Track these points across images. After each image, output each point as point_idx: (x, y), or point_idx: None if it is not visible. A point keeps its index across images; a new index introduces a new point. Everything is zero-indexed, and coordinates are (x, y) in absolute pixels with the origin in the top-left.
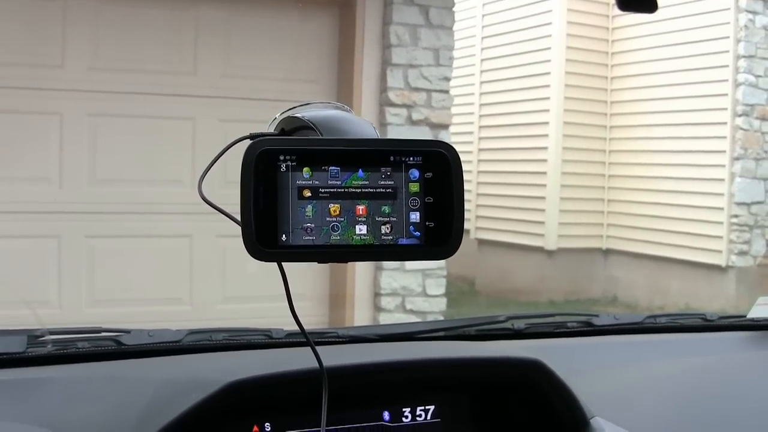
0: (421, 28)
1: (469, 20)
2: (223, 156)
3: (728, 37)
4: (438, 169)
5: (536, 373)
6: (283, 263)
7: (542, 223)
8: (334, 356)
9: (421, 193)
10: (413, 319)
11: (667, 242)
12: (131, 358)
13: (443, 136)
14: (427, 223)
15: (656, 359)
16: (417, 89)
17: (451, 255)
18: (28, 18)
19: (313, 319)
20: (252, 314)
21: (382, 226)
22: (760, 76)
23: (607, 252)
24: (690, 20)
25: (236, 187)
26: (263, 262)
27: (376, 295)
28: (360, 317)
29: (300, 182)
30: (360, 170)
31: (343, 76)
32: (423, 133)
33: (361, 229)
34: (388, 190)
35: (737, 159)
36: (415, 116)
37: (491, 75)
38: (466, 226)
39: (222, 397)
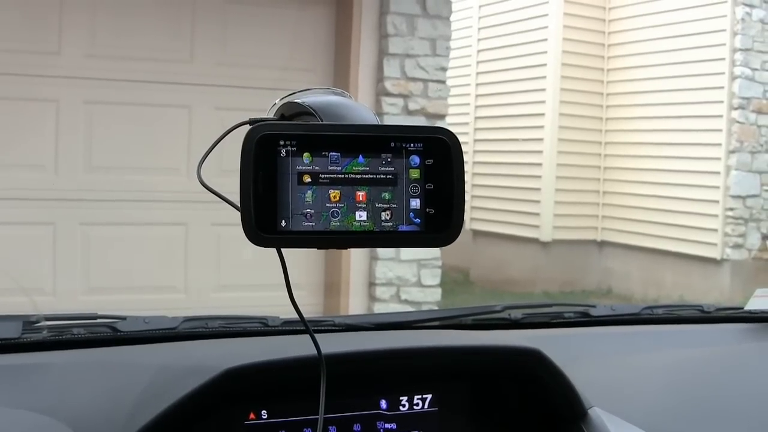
0: (418, 17)
1: (466, 11)
2: (220, 144)
3: (725, 30)
4: (439, 155)
5: (535, 362)
6: (282, 250)
7: (537, 214)
8: (331, 344)
9: (422, 179)
10: (408, 309)
11: (662, 234)
12: (127, 344)
13: None
14: (427, 210)
15: (653, 350)
16: (413, 79)
17: (452, 242)
18: (25, 4)
19: (308, 308)
20: (247, 303)
21: (382, 213)
22: (756, 69)
23: (602, 244)
24: (687, 13)
25: (233, 176)
26: (260, 249)
27: (371, 284)
28: (355, 307)
29: (300, 168)
30: (360, 156)
31: (340, 65)
32: (419, 123)
33: (361, 216)
34: (388, 177)
35: (733, 152)
36: (412, 106)
37: (488, 66)
38: None
39: (218, 383)
